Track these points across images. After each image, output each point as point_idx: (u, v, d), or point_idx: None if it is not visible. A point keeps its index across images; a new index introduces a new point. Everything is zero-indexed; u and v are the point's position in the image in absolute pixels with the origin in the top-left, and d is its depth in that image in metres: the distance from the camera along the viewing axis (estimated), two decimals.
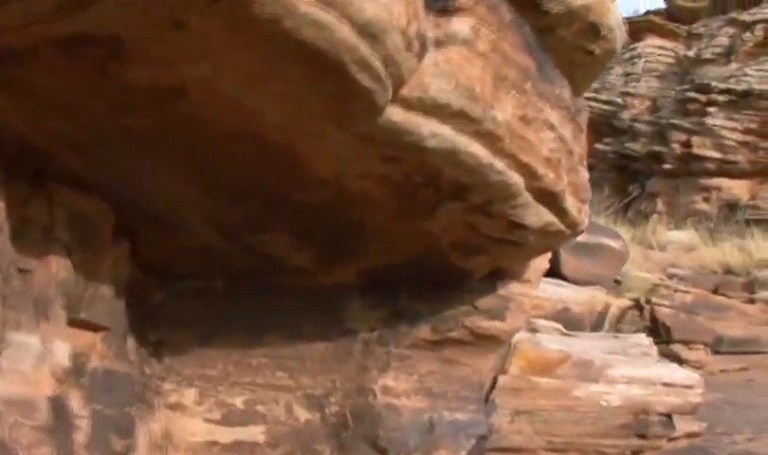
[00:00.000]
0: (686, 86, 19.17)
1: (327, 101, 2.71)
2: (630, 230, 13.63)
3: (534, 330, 5.37)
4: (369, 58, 2.51)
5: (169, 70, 2.58)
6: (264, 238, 3.83)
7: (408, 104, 2.83)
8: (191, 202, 3.55)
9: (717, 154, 18.55)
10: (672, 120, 18.93)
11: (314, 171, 3.21)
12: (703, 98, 18.67)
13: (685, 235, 14.34)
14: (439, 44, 2.81)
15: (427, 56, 2.76)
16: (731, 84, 18.40)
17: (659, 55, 20.93)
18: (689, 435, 5.80)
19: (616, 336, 6.25)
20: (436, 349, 4.39)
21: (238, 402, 4.22)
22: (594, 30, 3.51)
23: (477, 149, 3.14)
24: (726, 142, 18.39)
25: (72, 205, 3.39)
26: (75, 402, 3.23)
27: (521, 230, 3.68)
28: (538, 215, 3.61)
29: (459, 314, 4.34)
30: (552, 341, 5.32)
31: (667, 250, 13.05)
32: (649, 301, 8.69)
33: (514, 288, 4.44)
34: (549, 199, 3.58)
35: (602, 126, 18.78)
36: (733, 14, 20.17)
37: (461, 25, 2.84)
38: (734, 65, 19.39)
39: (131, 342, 3.85)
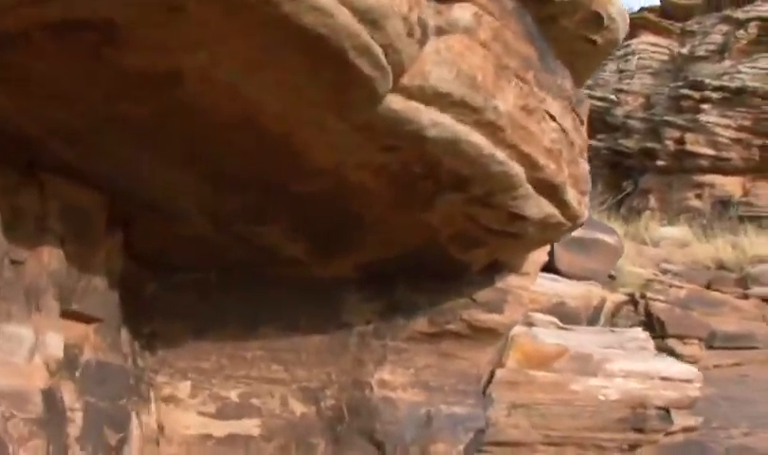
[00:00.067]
0: (680, 83, 19.17)
1: (327, 89, 2.66)
2: (624, 226, 13.63)
3: (530, 323, 5.34)
4: (370, 44, 2.46)
5: (165, 57, 2.53)
6: (260, 229, 3.79)
7: (408, 93, 2.79)
8: (188, 191, 3.50)
9: (710, 151, 18.56)
10: (666, 117, 18.92)
11: (312, 160, 3.17)
12: (696, 95, 18.66)
13: (678, 231, 14.35)
14: (440, 31, 2.76)
15: (428, 44, 2.72)
16: (725, 82, 18.41)
17: (653, 52, 20.93)
18: (686, 429, 5.79)
19: (613, 331, 6.23)
20: (434, 342, 4.35)
21: (233, 395, 4.18)
22: (596, 20, 3.48)
23: (478, 139, 3.10)
24: (720, 139, 18.39)
25: (65, 195, 3.35)
26: (68, 394, 3.19)
27: (521, 222, 3.64)
28: (538, 207, 3.57)
29: (457, 306, 4.31)
30: (549, 335, 5.29)
31: (661, 246, 13.04)
32: (643, 296, 8.69)
33: (512, 281, 4.41)
34: (550, 191, 3.54)
35: (596, 122, 18.75)
36: (727, 12, 20.17)
37: (462, 12, 2.80)
38: (727, 63, 19.38)
39: (124, 334, 3.80)
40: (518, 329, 5.00)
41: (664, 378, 5.40)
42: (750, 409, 7.53)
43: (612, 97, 21.07)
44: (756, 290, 10.89)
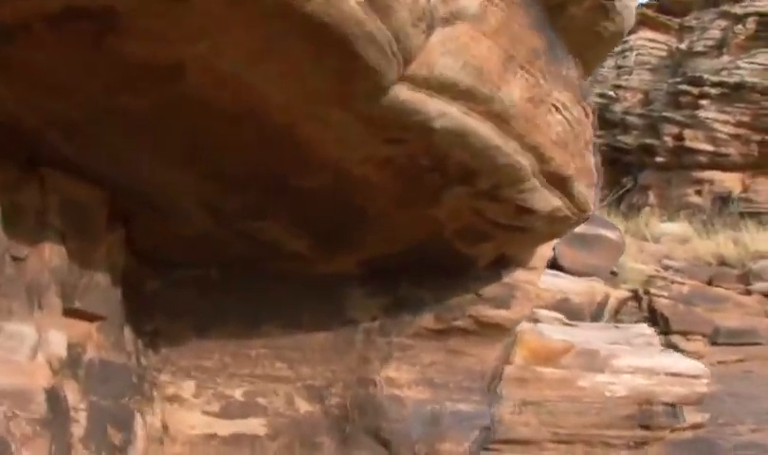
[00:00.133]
0: (679, 79, 19.13)
1: (331, 80, 2.61)
2: (624, 223, 13.59)
3: (535, 320, 5.29)
4: (376, 33, 2.41)
5: (167, 47, 2.49)
6: (261, 225, 3.74)
7: (414, 83, 2.74)
8: (187, 190, 3.46)
9: (709, 147, 18.52)
10: (664, 113, 18.88)
11: (315, 154, 3.12)
12: (695, 90, 18.62)
13: (678, 227, 14.31)
14: (446, 21, 2.71)
15: (434, 33, 2.66)
16: (723, 77, 18.37)
17: (651, 48, 20.90)
18: (693, 426, 5.74)
19: (618, 327, 6.18)
20: (440, 338, 4.30)
21: (237, 394, 4.14)
22: (604, 9, 3.42)
23: (485, 130, 3.06)
24: (719, 135, 18.36)
25: (65, 190, 3.31)
26: (71, 394, 3.15)
27: (528, 216, 3.60)
28: (546, 200, 3.52)
29: (464, 302, 4.26)
30: (554, 331, 5.24)
31: (661, 242, 13.01)
32: (647, 292, 8.63)
33: (519, 276, 4.36)
34: (558, 183, 3.50)
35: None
36: (725, 7, 20.13)
37: (469, 1, 2.75)
38: (726, 58, 19.35)
39: (127, 332, 3.75)
40: (523, 325, 4.95)
41: (671, 374, 5.35)
42: (755, 405, 7.49)
43: (611, 93, 21.04)
44: (758, 286, 10.85)
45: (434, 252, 3.97)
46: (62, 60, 2.56)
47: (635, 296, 8.68)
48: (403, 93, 2.74)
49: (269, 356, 4.19)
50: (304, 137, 3.00)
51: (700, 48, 20.16)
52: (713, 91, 18.43)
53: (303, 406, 4.17)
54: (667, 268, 10.71)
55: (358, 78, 2.59)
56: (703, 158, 18.66)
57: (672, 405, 5.35)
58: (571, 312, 6.59)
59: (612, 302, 8.12)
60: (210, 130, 2.96)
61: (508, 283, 4.33)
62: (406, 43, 2.53)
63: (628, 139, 19.87)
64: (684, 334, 8.55)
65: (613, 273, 8.88)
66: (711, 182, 18.28)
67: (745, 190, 18.08)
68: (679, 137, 18.77)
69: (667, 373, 5.33)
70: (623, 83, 20.71)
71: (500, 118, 3.06)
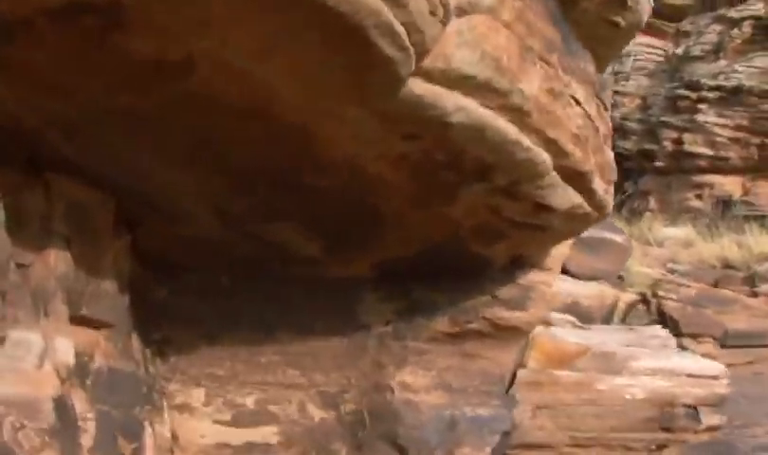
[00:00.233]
0: (676, 84, 19.13)
1: (345, 73, 2.52)
2: (627, 227, 13.56)
3: (548, 323, 5.19)
4: (392, 23, 2.32)
5: (176, 42, 2.40)
6: (271, 227, 3.64)
7: (430, 76, 2.66)
8: (188, 189, 3.36)
9: (708, 151, 18.51)
10: (663, 118, 18.88)
11: (328, 151, 3.03)
12: (693, 95, 18.62)
13: (681, 231, 14.29)
14: (462, 11, 2.63)
15: (450, 25, 2.58)
16: (721, 81, 18.37)
17: (648, 53, 20.92)
18: (710, 428, 5.63)
19: (632, 329, 6.09)
20: (456, 342, 4.21)
21: (248, 402, 4.04)
22: (619, 1, 3.35)
23: (503, 124, 2.97)
24: (717, 139, 18.36)
25: (70, 195, 3.23)
26: (79, 403, 3.05)
27: (546, 213, 3.51)
28: (564, 197, 3.43)
29: (478, 304, 4.17)
30: (568, 334, 5.15)
31: (665, 246, 12.97)
32: (655, 295, 8.56)
33: (535, 277, 4.27)
34: (577, 179, 3.41)
35: None
36: (721, 11, 20.16)
37: None
38: (723, 62, 19.35)
39: (135, 340, 3.66)
40: (536, 328, 4.86)
41: (690, 375, 5.26)
42: None
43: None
44: (764, 288, 10.80)
45: (449, 254, 3.88)
46: (63, 59, 2.47)
47: (644, 299, 8.61)
48: (419, 87, 2.65)
49: (281, 363, 4.10)
50: (317, 133, 2.91)
51: (697, 53, 20.16)
52: (711, 95, 18.42)
53: (317, 413, 4.08)
54: (672, 272, 10.65)
55: (374, 70, 2.50)
56: (702, 162, 18.64)
57: (693, 406, 5.25)
58: (581, 315, 6.49)
59: (620, 306, 8.04)
60: (215, 128, 2.87)
61: (524, 285, 4.24)
62: (422, 34, 2.45)
63: (627, 145, 19.83)
64: (693, 336, 8.47)
65: (620, 277, 8.81)
66: (711, 186, 18.25)
67: (746, 193, 18.06)
68: (678, 142, 18.75)
69: (686, 375, 5.24)
70: (620, 89, 20.70)
71: (519, 112, 2.98)
